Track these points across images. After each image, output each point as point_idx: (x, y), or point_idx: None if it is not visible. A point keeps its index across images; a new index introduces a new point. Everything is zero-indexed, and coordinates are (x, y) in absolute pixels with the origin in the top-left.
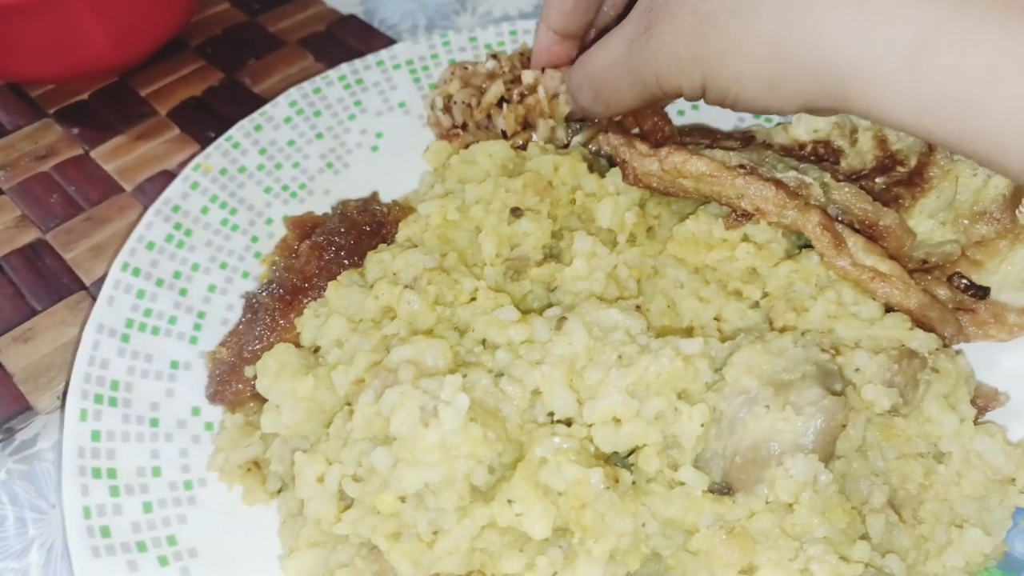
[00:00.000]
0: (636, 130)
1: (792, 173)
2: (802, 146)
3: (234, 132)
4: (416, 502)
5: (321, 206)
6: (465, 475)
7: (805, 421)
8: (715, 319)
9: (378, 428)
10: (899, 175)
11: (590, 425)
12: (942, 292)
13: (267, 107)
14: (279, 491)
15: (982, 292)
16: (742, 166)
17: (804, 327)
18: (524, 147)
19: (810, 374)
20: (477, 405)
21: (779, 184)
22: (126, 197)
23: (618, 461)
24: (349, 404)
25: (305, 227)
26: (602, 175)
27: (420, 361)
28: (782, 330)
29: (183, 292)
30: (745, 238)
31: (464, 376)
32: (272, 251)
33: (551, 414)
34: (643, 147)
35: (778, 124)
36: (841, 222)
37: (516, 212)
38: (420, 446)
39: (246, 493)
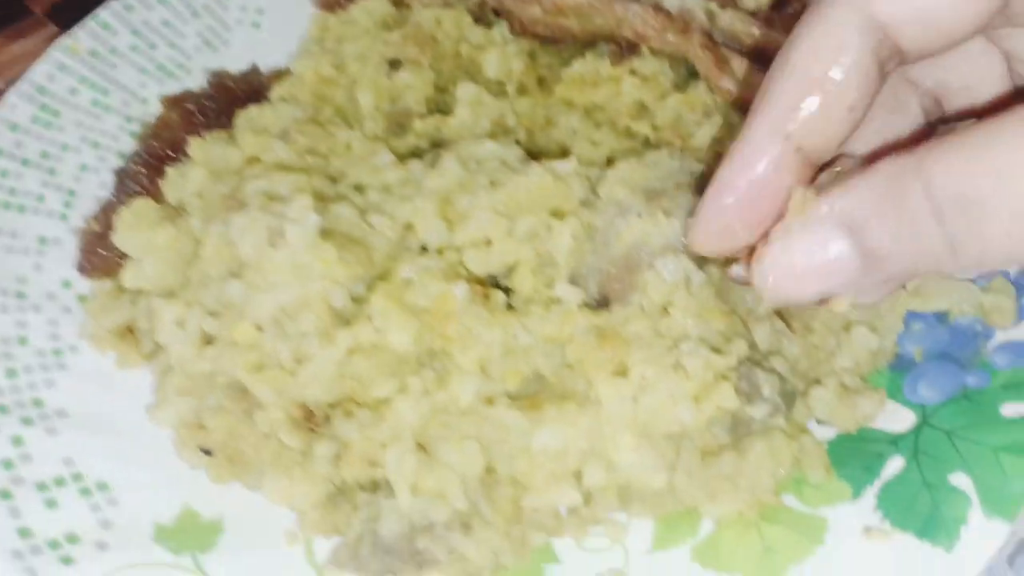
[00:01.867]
0: None
1: (675, 2)
2: None
3: (102, 13)
4: (276, 330)
5: (200, 85)
6: (322, 297)
7: (675, 222)
8: (608, 160)
9: (228, 258)
10: (795, 10)
11: (461, 249)
12: None
13: None
14: (154, 352)
15: None
16: None
17: (690, 149)
18: (408, 6)
19: (685, 183)
20: (340, 235)
21: (658, 8)
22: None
23: (498, 287)
24: None
25: (181, 102)
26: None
27: (274, 192)
28: None
29: (51, 171)
30: (631, 72)
31: (325, 210)
32: (147, 126)
33: (424, 247)
34: None
35: None
36: (730, 48)
37: (394, 64)
38: (269, 268)
39: (120, 358)
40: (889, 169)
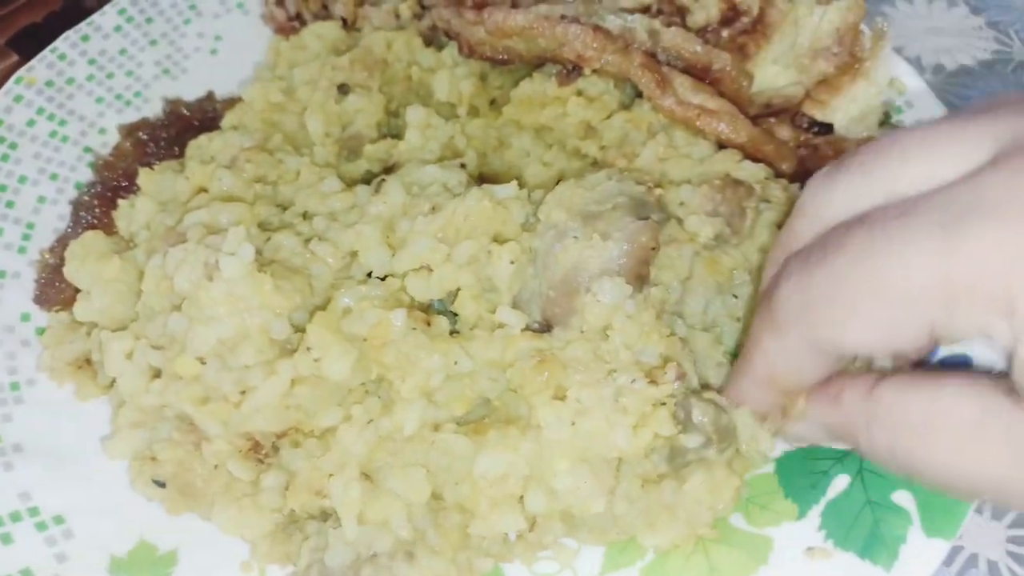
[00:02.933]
0: (470, 1)
1: (618, 21)
2: (647, 8)
3: (59, 44)
4: (218, 363)
5: (159, 114)
6: (261, 328)
7: (611, 245)
8: (557, 181)
9: (169, 291)
10: (744, 25)
11: (403, 276)
12: (786, 133)
13: (94, 17)
14: (112, 384)
15: (825, 128)
16: (564, 17)
17: (633, 170)
18: (361, 30)
19: (622, 204)
20: (279, 264)
21: (598, 29)
22: None
23: (443, 312)
24: None
25: (136, 134)
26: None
27: (214, 223)
28: None
29: (10, 204)
30: (578, 93)
31: (268, 239)
32: (101, 157)
33: (369, 274)
34: (470, 15)
35: None
36: (673, 67)
37: (343, 88)
38: (206, 300)
39: (78, 389)
40: (848, 415)
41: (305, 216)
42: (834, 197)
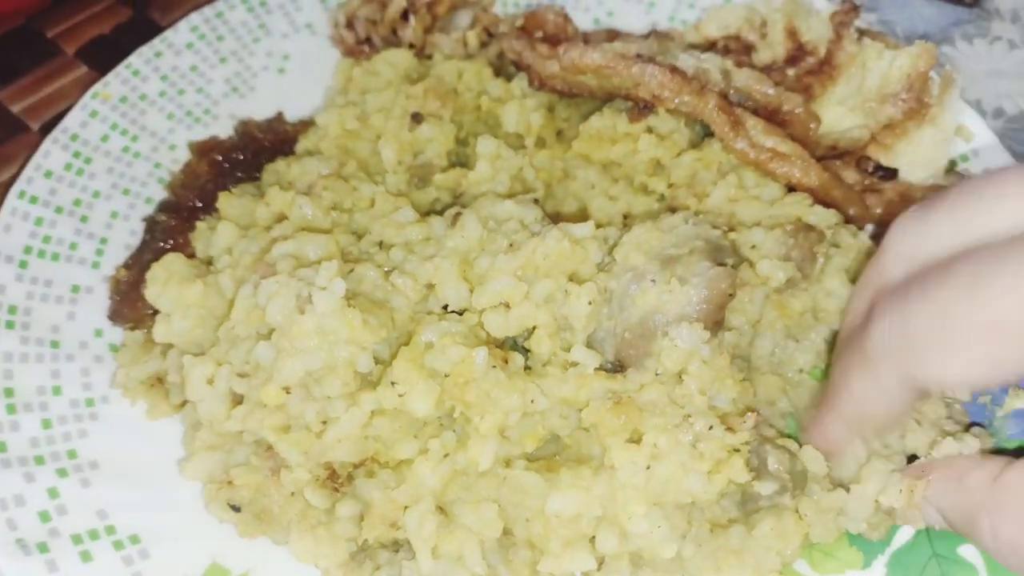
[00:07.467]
0: (540, 34)
1: (691, 61)
2: (712, 44)
3: (133, 59)
4: (303, 393)
5: (227, 131)
6: (348, 361)
7: (690, 291)
8: (624, 216)
9: (257, 321)
10: (809, 65)
11: (481, 312)
12: (851, 176)
13: (167, 33)
14: (183, 404)
15: (890, 173)
16: (639, 56)
17: (704, 211)
18: (430, 57)
19: (699, 249)
20: (363, 297)
21: (674, 70)
22: (32, 136)
23: (516, 348)
24: None
25: (209, 151)
26: (509, 81)
27: (302, 255)
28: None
29: (84, 219)
30: (648, 130)
31: (351, 271)
32: (176, 176)
33: (445, 307)
34: (544, 49)
35: (690, 25)
36: (744, 108)
37: (417, 118)
38: (297, 333)
39: (150, 408)
40: (971, 499)
41: (381, 245)
42: (928, 235)
